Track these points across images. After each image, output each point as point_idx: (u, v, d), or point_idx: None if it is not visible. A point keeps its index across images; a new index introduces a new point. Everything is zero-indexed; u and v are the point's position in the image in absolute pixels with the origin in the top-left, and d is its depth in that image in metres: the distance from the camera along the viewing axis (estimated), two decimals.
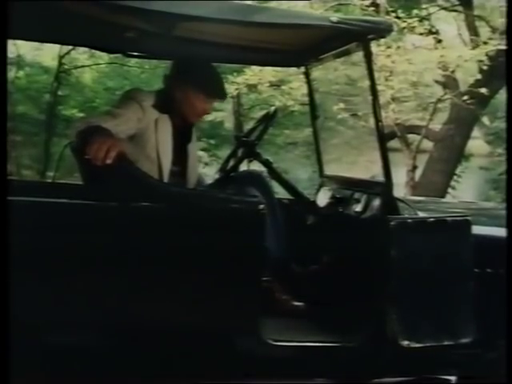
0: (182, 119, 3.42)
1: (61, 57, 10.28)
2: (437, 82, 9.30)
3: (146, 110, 3.24)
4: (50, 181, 5.85)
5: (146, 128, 3.24)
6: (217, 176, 3.69)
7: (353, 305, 3.13)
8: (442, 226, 3.09)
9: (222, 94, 3.51)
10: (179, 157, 3.40)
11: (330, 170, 4.16)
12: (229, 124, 13.52)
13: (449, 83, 8.71)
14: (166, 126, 3.33)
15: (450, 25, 10.38)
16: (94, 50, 7.49)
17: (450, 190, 9.34)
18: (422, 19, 8.05)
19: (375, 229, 3.14)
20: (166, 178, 3.27)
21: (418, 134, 9.22)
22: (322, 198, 3.79)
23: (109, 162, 2.72)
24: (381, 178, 3.15)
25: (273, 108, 3.85)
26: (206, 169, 9.85)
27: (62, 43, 6.09)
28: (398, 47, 7.72)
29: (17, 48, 9.99)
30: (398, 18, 7.44)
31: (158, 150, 3.26)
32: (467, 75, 9.01)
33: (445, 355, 3.14)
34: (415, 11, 7.98)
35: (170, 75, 3.47)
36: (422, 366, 3.18)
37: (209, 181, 3.69)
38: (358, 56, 3.35)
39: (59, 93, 10.76)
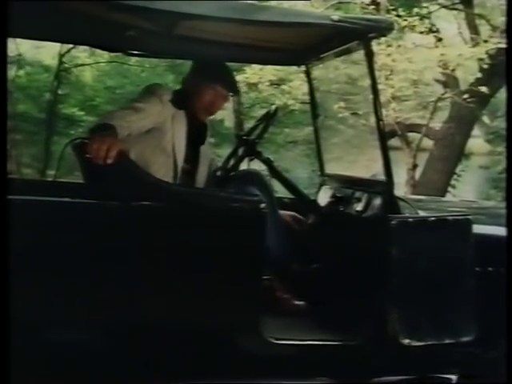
0: (196, 116, 3.46)
1: (61, 55, 10.26)
2: (437, 80, 9.30)
3: (165, 103, 3.31)
4: (50, 179, 5.85)
5: (164, 122, 3.29)
6: (217, 175, 3.68)
7: (354, 303, 3.13)
8: (443, 224, 3.09)
9: (232, 85, 3.56)
10: (191, 156, 3.42)
11: (331, 168, 4.16)
12: (229, 123, 13.50)
13: (449, 82, 8.71)
14: (182, 121, 3.38)
15: (451, 23, 10.37)
16: (94, 49, 7.48)
17: (450, 188, 9.34)
18: (422, 18, 8.04)
19: (376, 228, 3.13)
20: (179, 173, 3.32)
21: (419, 132, 9.23)
22: (323, 197, 3.79)
23: (109, 161, 2.72)
24: (382, 176, 3.15)
25: (273, 107, 3.85)
26: None
27: (63, 42, 6.08)
28: (399, 46, 7.72)
29: (17, 46, 9.97)
30: (398, 16, 7.44)
31: (173, 143, 3.31)
32: (467, 74, 9.01)
33: (446, 354, 3.14)
34: (416, 10, 7.97)
35: (187, 75, 3.58)
36: (422, 364, 3.18)
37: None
38: (359, 55, 3.35)
39: (59, 91, 10.74)
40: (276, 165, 3.73)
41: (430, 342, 3.02)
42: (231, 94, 3.62)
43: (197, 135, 3.49)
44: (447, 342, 3.04)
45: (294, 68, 4.75)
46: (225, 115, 13.50)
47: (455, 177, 9.55)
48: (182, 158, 3.35)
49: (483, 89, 7.79)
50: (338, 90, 10.13)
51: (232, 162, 3.68)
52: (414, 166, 8.76)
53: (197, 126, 3.49)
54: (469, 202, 5.09)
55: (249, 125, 4.09)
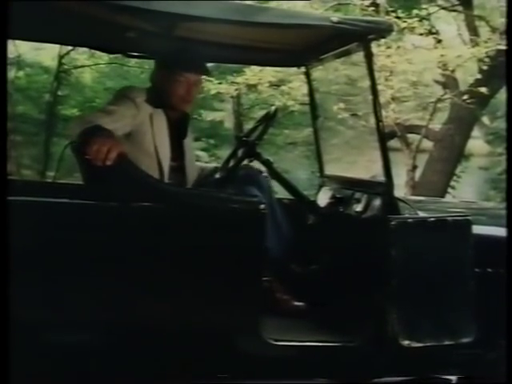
0: (175, 111, 3.43)
1: (61, 57, 10.28)
2: (437, 81, 9.30)
3: (140, 105, 3.26)
4: (50, 181, 5.85)
5: (142, 124, 3.26)
6: (217, 176, 3.68)
7: (353, 304, 3.13)
8: (443, 225, 3.09)
9: (201, 67, 3.47)
10: (176, 152, 3.41)
11: (331, 169, 4.16)
12: (229, 124, 13.52)
13: (449, 83, 8.71)
14: (161, 120, 3.35)
15: (450, 25, 10.37)
16: (93, 50, 7.48)
17: (449, 189, 9.34)
18: (421, 19, 8.04)
19: (376, 228, 3.14)
20: (166, 173, 3.29)
21: (418, 133, 9.22)
22: (323, 198, 3.79)
23: (109, 163, 2.71)
24: (381, 177, 3.15)
25: (273, 108, 3.85)
26: None
27: (62, 43, 6.09)
28: (398, 47, 7.72)
29: (16, 48, 9.98)
30: (398, 17, 7.43)
31: (155, 144, 3.28)
32: (467, 75, 9.02)
33: (445, 355, 3.14)
34: (415, 11, 7.97)
35: (154, 70, 3.51)
36: (422, 365, 3.18)
37: (210, 179, 3.68)
38: (358, 56, 3.35)
39: (59, 93, 10.76)
40: (276, 166, 3.73)
41: (429, 343, 3.02)
42: (203, 75, 3.56)
43: (178, 130, 3.47)
44: (447, 343, 3.05)
45: (294, 69, 4.75)
46: (224, 116, 13.53)
47: (455, 178, 9.55)
48: (168, 156, 3.33)
49: (483, 90, 7.78)
50: (337, 91, 10.13)
51: (231, 163, 3.68)
52: (414, 167, 8.75)
53: (177, 120, 3.46)
54: (468, 203, 5.09)
55: (248, 126, 4.10)
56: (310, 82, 4.09)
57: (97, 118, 3.01)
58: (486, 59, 7.61)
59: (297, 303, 3.36)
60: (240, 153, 3.64)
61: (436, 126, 9.54)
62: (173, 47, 3.34)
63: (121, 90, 3.42)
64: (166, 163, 3.31)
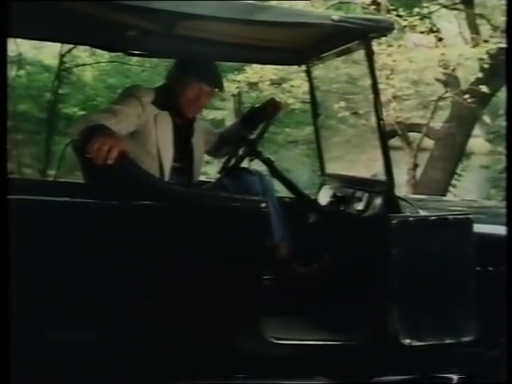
0: (181, 114, 3.42)
1: (62, 55, 10.26)
2: (438, 80, 9.29)
3: (146, 105, 3.26)
4: (51, 179, 5.86)
5: (146, 124, 3.25)
6: (218, 175, 3.68)
7: (354, 303, 3.13)
8: (444, 224, 3.09)
9: (217, 81, 3.47)
10: (182, 153, 3.40)
11: (332, 168, 4.16)
12: (230, 122, 13.49)
13: (450, 81, 8.71)
14: (166, 122, 3.34)
15: (451, 23, 10.38)
16: (94, 49, 7.47)
17: (450, 188, 9.33)
18: (423, 17, 8.03)
19: (377, 227, 3.13)
20: (167, 175, 3.28)
21: (419, 132, 9.22)
22: (324, 197, 3.79)
23: (110, 162, 2.70)
24: (382, 176, 3.15)
25: None
26: (207, 167, 9.84)
27: (63, 42, 6.08)
28: (399, 46, 7.72)
29: (18, 46, 9.97)
30: (399, 16, 7.44)
31: (158, 146, 3.27)
32: (468, 73, 9.01)
33: (446, 354, 3.14)
34: (416, 9, 7.96)
35: (171, 70, 3.50)
36: (423, 364, 3.18)
37: (210, 180, 3.68)
38: (359, 54, 3.35)
39: (60, 91, 10.74)
40: (276, 165, 3.73)
41: (430, 342, 3.02)
42: (216, 89, 3.52)
43: (184, 131, 3.46)
44: (448, 341, 3.05)
45: (295, 67, 4.75)
46: (225, 115, 13.53)
47: (456, 176, 9.55)
48: (170, 158, 3.31)
49: (484, 88, 7.79)
50: (338, 90, 10.12)
51: (232, 161, 3.68)
52: (415, 166, 8.75)
53: (183, 123, 3.45)
54: (469, 202, 5.09)
55: None
56: (310, 80, 4.09)
57: (102, 118, 3.00)
58: (487, 58, 7.61)
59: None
60: (241, 151, 3.64)
61: (437, 124, 9.53)
62: (193, 51, 3.34)
63: (127, 89, 3.40)
64: (168, 165, 3.30)
